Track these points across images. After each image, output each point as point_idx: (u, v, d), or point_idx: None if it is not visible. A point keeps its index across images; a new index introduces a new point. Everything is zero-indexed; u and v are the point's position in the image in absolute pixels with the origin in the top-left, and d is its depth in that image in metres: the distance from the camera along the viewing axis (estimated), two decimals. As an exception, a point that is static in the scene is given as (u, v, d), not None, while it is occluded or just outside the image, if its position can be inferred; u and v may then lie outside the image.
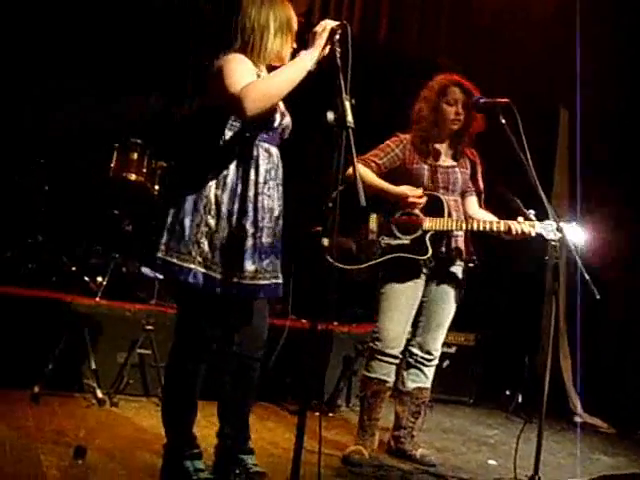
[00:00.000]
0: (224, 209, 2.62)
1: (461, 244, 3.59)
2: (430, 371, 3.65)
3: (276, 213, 2.75)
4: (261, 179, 2.67)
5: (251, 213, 2.64)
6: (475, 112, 3.52)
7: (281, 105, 2.79)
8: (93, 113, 5.64)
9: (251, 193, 2.64)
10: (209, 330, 2.73)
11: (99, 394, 3.94)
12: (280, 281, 2.79)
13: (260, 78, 2.64)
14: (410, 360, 3.64)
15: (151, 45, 5.70)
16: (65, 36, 5.51)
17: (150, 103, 5.74)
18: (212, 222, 2.61)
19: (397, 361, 3.55)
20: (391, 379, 3.57)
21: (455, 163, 3.64)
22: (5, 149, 5.28)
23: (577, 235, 3.28)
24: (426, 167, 3.56)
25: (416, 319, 3.60)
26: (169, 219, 2.64)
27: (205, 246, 2.61)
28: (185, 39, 5.65)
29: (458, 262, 3.60)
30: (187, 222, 2.62)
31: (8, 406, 3.60)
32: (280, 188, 2.78)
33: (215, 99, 2.65)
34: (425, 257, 3.43)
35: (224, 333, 2.78)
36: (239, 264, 2.62)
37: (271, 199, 2.71)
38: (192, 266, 2.60)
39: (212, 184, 2.63)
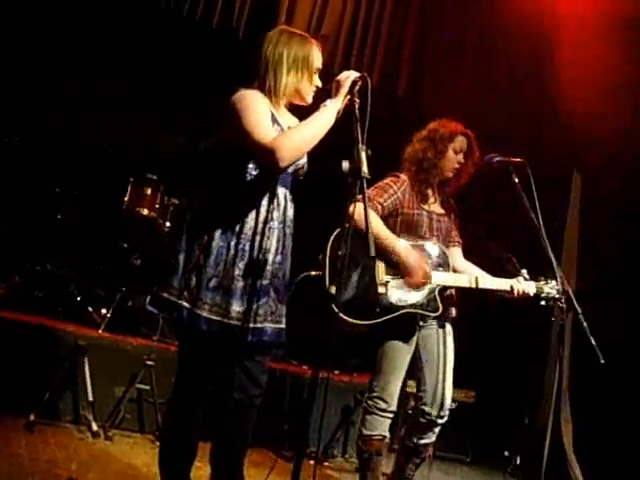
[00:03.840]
0: (214, 245, 2.58)
1: (453, 292, 3.53)
2: (439, 427, 3.52)
3: (277, 256, 2.68)
4: (261, 219, 2.62)
5: (247, 253, 2.59)
6: (483, 168, 3.52)
7: None
8: (112, 145, 5.71)
9: (248, 233, 2.60)
10: (205, 371, 2.68)
11: (94, 427, 3.92)
12: (279, 326, 2.71)
13: (290, 129, 2.63)
14: (422, 420, 3.48)
15: (172, 82, 5.79)
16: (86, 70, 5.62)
17: (170, 139, 5.79)
18: (202, 258, 2.58)
19: (393, 416, 3.49)
20: (388, 433, 3.51)
21: (444, 212, 3.60)
22: (21, 177, 5.34)
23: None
24: (425, 214, 3.50)
25: (420, 374, 3.50)
26: (171, 256, 2.65)
27: (193, 282, 2.57)
28: (209, 76, 5.72)
29: (452, 311, 3.54)
30: (181, 259, 2.62)
31: (2, 432, 3.58)
32: (287, 230, 2.72)
33: (230, 135, 2.64)
34: (437, 314, 3.35)
35: (223, 376, 2.71)
36: (226, 303, 2.57)
37: (270, 240, 2.64)
38: (179, 302, 2.57)
39: (208, 222, 2.62)
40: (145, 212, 5.23)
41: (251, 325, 2.60)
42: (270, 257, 2.65)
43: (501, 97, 6.05)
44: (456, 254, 3.64)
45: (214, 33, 5.27)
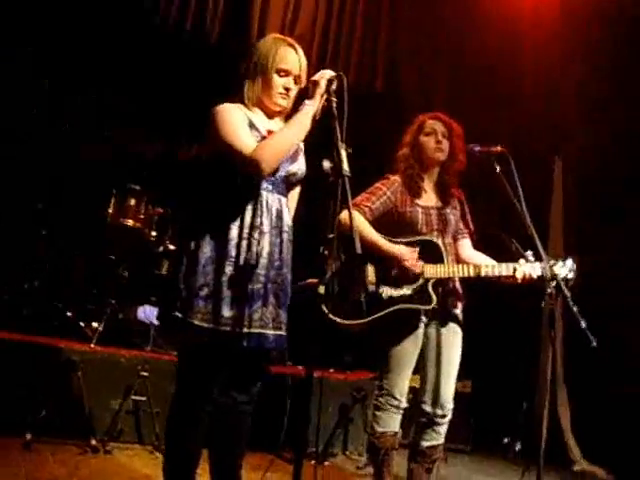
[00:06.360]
0: (201, 253, 2.61)
1: (458, 287, 3.50)
2: (444, 428, 3.46)
3: (275, 262, 2.68)
4: (246, 224, 2.64)
5: (233, 259, 2.61)
6: (465, 155, 3.51)
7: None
8: (93, 156, 5.68)
9: (234, 239, 2.62)
10: (204, 378, 2.67)
11: (93, 441, 3.90)
12: (277, 332, 2.69)
13: (268, 138, 2.64)
14: (423, 420, 3.44)
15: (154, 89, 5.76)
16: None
17: (150, 148, 5.77)
18: (191, 268, 2.60)
19: (403, 412, 3.45)
20: (399, 429, 3.45)
21: (445, 204, 3.54)
22: (4, 193, 5.30)
23: (571, 271, 3.26)
24: (420, 210, 3.45)
25: (422, 372, 3.46)
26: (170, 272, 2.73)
27: (184, 292, 2.59)
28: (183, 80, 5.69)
29: (457, 305, 3.50)
30: (174, 271, 2.67)
31: (0, 453, 3.55)
32: (285, 235, 2.72)
33: (213, 148, 2.69)
34: (430, 307, 3.31)
35: (219, 382, 2.72)
36: (217, 310, 2.58)
37: (260, 245, 2.64)
38: (173, 313, 2.60)
39: (195, 231, 2.65)
40: (130, 223, 5.21)
41: (245, 330, 2.60)
42: (263, 262, 2.65)
43: (479, 84, 6.07)
44: (465, 245, 3.60)
45: (186, 39, 5.25)
